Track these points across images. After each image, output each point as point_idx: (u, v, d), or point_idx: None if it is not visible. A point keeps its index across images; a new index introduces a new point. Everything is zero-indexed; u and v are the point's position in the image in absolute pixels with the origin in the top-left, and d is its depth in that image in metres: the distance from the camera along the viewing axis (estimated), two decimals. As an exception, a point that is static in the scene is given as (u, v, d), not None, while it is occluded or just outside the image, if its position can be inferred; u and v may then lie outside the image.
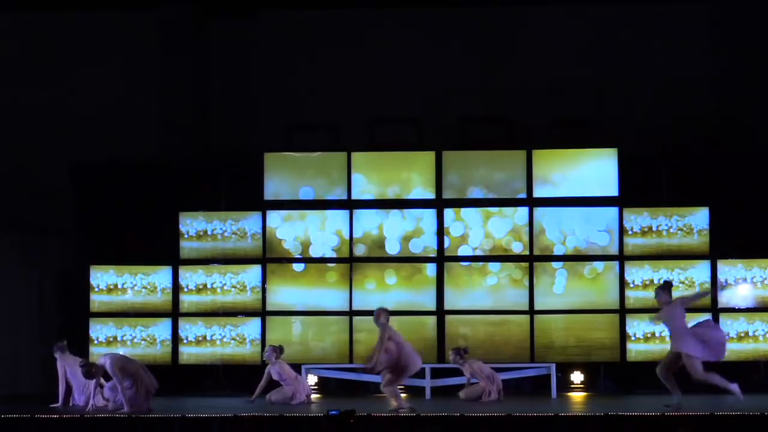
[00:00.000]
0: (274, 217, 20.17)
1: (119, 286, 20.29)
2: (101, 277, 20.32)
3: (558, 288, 19.82)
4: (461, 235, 19.97)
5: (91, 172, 21.18)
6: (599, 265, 19.84)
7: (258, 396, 17.63)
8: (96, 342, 20.16)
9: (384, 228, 20.07)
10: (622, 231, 19.86)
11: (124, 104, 22.41)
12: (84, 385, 17.08)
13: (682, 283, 19.73)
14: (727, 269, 19.79)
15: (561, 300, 19.82)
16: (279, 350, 17.84)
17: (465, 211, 20.01)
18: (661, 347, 19.62)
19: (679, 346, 15.80)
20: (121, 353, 17.29)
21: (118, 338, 20.19)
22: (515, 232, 19.93)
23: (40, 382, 20.22)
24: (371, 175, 20.20)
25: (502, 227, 19.97)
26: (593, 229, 19.87)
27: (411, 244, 20.03)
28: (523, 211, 19.95)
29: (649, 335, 19.69)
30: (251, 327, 20.11)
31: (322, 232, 20.14)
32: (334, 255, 20.11)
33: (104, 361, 16.13)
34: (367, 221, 20.10)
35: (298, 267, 20.10)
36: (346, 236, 20.08)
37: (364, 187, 20.15)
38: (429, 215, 20.05)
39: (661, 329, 19.62)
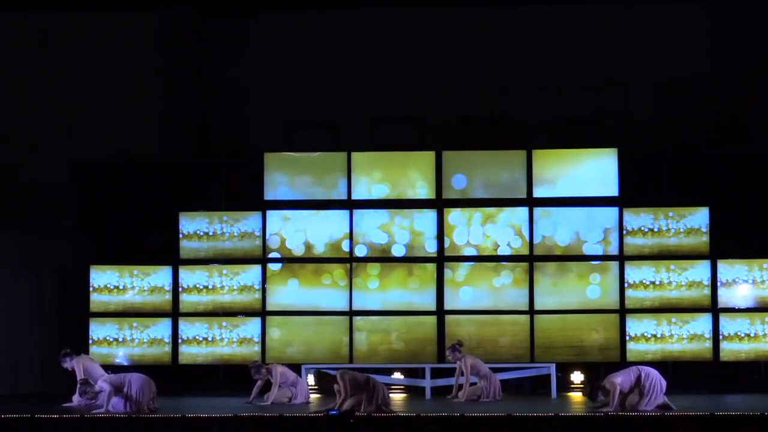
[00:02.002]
0: (274, 217, 20.15)
1: (119, 286, 20.28)
2: (101, 276, 20.31)
3: (557, 287, 19.82)
4: (461, 234, 19.95)
5: (91, 171, 21.20)
6: (598, 265, 19.84)
7: (255, 397, 17.62)
8: (96, 342, 20.15)
9: (384, 228, 20.06)
10: (622, 231, 19.85)
11: (124, 104, 22.41)
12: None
13: (682, 282, 19.75)
14: (727, 269, 19.78)
15: (561, 300, 19.81)
16: (259, 367, 17.78)
17: (464, 211, 19.99)
18: (660, 346, 19.64)
19: None
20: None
21: (119, 338, 20.18)
22: (515, 232, 19.91)
23: (40, 382, 20.22)
24: (371, 174, 20.19)
25: (501, 227, 19.95)
26: (593, 229, 19.86)
27: (411, 244, 20.00)
28: (523, 211, 19.93)
29: (648, 335, 19.68)
30: (251, 327, 20.10)
31: (322, 231, 20.12)
32: (334, 255, 20.09)
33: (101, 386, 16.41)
34: (367, 221, 20.09)
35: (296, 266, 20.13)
36: (347, 236, 20.06)
37: (363, 187, 20.14)
38: (429, 215, 20.03)
39: (663, 329, 19.65)
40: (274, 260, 20.13)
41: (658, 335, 19.64)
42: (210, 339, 20.11)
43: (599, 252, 19.84)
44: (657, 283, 19.76)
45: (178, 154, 21.85)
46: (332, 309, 20.02)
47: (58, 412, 15.85)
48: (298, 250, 20.11)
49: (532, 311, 19.77)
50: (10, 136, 22.50)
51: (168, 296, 20.25)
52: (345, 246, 20.05)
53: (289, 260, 20.13)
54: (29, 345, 20.26)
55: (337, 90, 22.29)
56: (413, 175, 20.14)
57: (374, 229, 20.07)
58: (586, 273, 19.85)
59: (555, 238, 19.89)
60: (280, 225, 20.13)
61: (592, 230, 19.86)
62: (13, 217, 21.45)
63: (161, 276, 20.29)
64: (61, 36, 22.75)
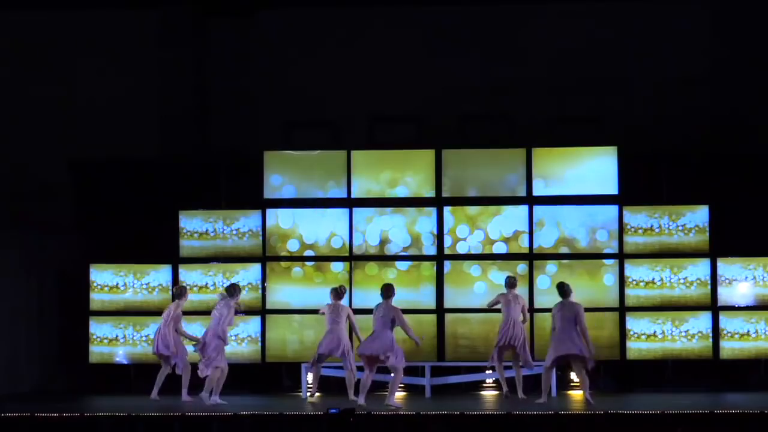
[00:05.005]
0: (274, 216, 20.16)
1: (119, 285, 20.28)
2: (101, 275, 20.31)
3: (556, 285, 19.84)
4: (460, 233, 19.96)
5: (91, 170, 21.21)
6: (599, 263, 19.84)
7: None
8: (96, 340, 20.15)
9: (383, 226, 20.06)
10: (622, 229, 19.85)
11: (123, 102, 22.42)
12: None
13: (682, 281, 19.75)
14: (727, 267, 19.79)
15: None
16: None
17: (464, 210, 20.01)
18: (660, 345, 19.65)
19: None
20: None
21: (119, 337, 20.18)
22: (515, 230, 19.92)
23: (40, 382, 20.23)
24: (371, 173, 20.20)
25: (501, 225, 19.96)
26: (593, 228, 19.86)
27: (410, 243, 20.01)
28: (523, 209, 19.94)
29: (649, 333, 19.69)
30: (251, 325, 20.11)
31: (322, 230, 20.13)
32: (333, 254, 20.09)
33: None
34: (367, 219, 20.09)
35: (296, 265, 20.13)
36: (346, 234, 20.07)
37: (363, 186, 20.15)
38: (429, 213, 20.04)
39: (663, 327, 19.65)
40: (274, 258, 20.12)
41: (658, 333, 19.64)
42: (210, 338, 20.07)
43: (599, 250, 19.84)
44: (657, 281, 19.77)
45: (177, 152, 21.85)
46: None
47: (58, 411, 15.85)
48: (298, 248, 20.11)
49: (532, 309, 19.76)
50: (11, 136, 22.49)
51: (168, 295, 20.25)
52: (345, 244, 20.05)
53: (288, 258, 20.13)
54: (29, 344, 20.26)
55: (337, 89, 22.29)
56: (413, 174, 20.14)
57: (373, 227, 20.07)
58: (586, 271, 19.84)
59: (555, 237, 19.89)
60: (280, 222, 20.14)
61: (591, 229, 19.85)
62: (13, 217, 21.44)
63: (161, 275, 20.29)
64: (61, 35, 22.75)
